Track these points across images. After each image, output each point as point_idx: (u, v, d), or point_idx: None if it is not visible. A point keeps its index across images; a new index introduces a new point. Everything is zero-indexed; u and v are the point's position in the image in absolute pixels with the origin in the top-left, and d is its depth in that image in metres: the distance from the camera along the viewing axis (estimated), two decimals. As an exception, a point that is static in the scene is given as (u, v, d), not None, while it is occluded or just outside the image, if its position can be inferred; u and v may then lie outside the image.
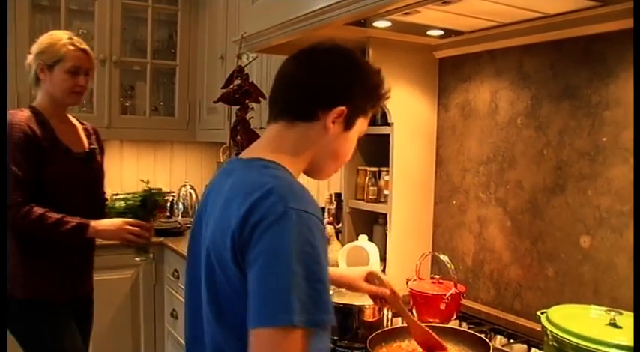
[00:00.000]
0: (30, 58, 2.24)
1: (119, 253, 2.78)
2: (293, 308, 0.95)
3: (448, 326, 1.74)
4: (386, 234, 2.20)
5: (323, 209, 2.58)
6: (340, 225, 2.52)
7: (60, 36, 2.24)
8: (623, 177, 1.60)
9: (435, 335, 1.54)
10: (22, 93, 3.31)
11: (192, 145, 4.09)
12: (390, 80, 1.27)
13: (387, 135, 2.15)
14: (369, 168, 2.33)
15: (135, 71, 3.88)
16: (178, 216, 3.86)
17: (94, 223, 2.16)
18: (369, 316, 1.73)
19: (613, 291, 1.63)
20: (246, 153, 1.24)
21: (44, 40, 2.23)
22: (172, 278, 3.17)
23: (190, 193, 3.91)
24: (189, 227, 3.33)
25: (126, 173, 3.89)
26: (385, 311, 1.76)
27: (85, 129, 2.41)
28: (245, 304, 1.02)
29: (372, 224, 2.40)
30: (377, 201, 2.30)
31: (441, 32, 1.97)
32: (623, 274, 1.61)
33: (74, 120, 2.38)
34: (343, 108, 1.18)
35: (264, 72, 2.86)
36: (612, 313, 1.32)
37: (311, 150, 1.22)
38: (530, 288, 1.88)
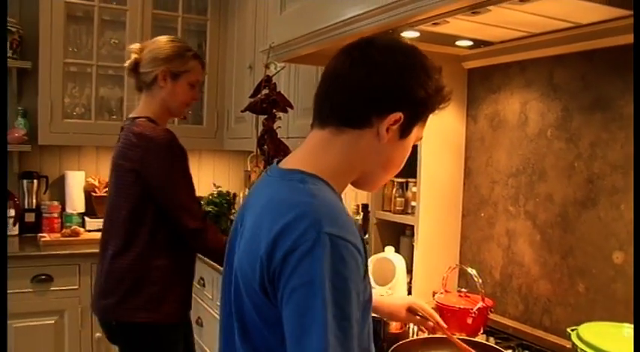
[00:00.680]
0: (141, 59, 2.17)
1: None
2: (326, 348, 0.89)
3: (475, 340, 1.72)
4: (413, 246, 2.18)
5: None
6: (367, 236, 2.51)
7: (182, 45, 2.21)
8: (658, 192, 1.56)
9: None
10: (56, 102, 3.37)
11: (219, 154, 4.11)
12: None
13: (415, 146, 2.11)
14: (396, 179, 2.30)
15: (164, 80, 3.91)
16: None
17: None
18: (394, 328, 1.72)
19: (646, 309, 1.59)
20: (286, 162, 1.13)
21: (167, 46, 2.17)
22: (198, 286, 3.18)
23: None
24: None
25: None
26: (411, 325, 1.74)
27: None
28: (272, 329, 0.98)
29: (399, 235, 2.38)
30: (404, 212, 2.28)
31: (470, 42, 1.95)
32: (657, 291, 1.56)
33: None
34: (400, 114, 1.06)
35: (291, 81, 2.86)
36: (645, 332, 1.28)
37: (361, 160, 1.10)
38: (560, 304, 1.84)
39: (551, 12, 1.52)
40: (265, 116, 2.40)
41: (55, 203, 3.62)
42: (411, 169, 2.16)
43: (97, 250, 3.18)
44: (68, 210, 3.66)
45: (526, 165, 1.96)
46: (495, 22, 1.64)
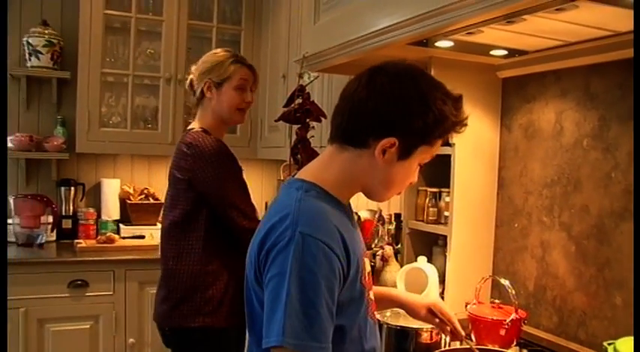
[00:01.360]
0: (193, 77, 2.26)
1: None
2: (285, 331, 1.02)
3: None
4: (445, 256, 2.16)
5: (378, 227, 2.56)
6: (399, 245, 2.50)
7: (225, 54, 2.27)
8: (698, 203, 1.53)
9: None
10: (93, 111, 3.44)
11: (253, 162, 4.14)
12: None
13: (448, 156, 2.12)
14: (429, 189, 2.30)
15: (199, 89, 3.97)
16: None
17: None
18: (426, 339, 1.71)
19: (686, 323, 1.55)
20: (299, 173, 1.25)
21: (209, 58, 2.26)
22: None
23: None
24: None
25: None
26: (443, 335, 1.72)
27: None
28: None
29: (432, 245, 2.37)
30: (437, 222, 2.27)
31: (504, 52, 1.94)
32: (697, 305, 1.53)
33: None
34: (394, 140, 1.13)
35: (325, 91, 2.87)
36: (685, 346, 1.25)
37: (361, 176, 1.20)
38: (596, 317, 1.81)
39: (587, 20, 1.50)
40: (299, 125, 2.41)
41: (91, 210, 3.68)
42: (444, 179, 2.15)
43: (130, 257, 3.28)
44: (103, 217, 3.72)
45: (561, 176, 1.94)
46: (530, 31, 1.63)
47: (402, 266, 2.30)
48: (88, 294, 3.17)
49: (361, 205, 2.78)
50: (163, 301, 2.19)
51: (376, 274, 2.43)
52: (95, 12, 3.41)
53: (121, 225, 3.72)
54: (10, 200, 3.42)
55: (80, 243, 3.44)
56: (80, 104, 3.44)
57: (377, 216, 2.61)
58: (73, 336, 3.14)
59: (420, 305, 1.54)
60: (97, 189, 3.81)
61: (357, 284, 1.15)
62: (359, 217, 2.54)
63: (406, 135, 1.13)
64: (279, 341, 1.02)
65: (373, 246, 2.55)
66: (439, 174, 2.20)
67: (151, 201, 3.77)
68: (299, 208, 1.10)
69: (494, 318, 1.77)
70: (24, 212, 3.37)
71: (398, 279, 2.18)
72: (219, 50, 2.31)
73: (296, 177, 1.23)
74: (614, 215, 1.75)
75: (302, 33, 3.09)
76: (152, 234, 3.54)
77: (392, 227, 2.57)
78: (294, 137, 2.42)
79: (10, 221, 3.45)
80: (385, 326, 1.72)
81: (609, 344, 1.39)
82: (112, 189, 3.77)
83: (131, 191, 3.79)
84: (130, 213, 3.73)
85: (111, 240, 3.46)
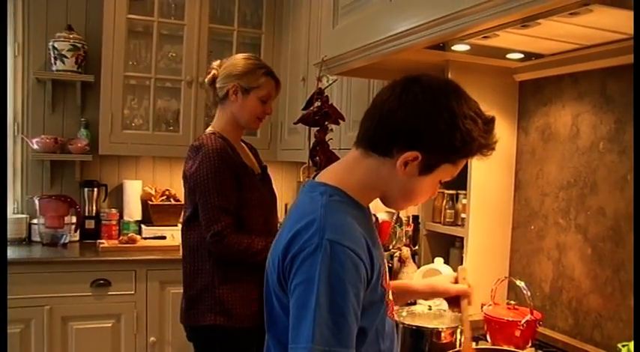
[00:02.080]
0: (217, 74, 2.28)
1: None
2: (314, 338, 1.02)
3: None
4: (462, 258, 2.18)
5: (396, 229, 2.58)
6: (417, 247, 2.52)
7: (257, 62, 2.31)
8: None
9: None
10: (116, 113, 3.50)
11: (273, 164, 4.14)
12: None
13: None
14: (446, 191, 2.31)
15: (220, 92, 4.01)
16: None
17: None
18: (442, 339, 1.72)
19: (701, 325, 1.55)
20: (319, 175, 1.26)
21: (241, 63, 2.28)
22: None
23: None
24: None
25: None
26: (458, 335, 1.74)
27: (249, 147, 2.46)
28: (289, 320, 1.10)
29: (449, 247, 2.38)
30: (454, 224, 2.29)
31: (520, 55, 1.95)
32: None
33: None
34: (417, 154, 1.12)
35: (344, 94, 2.90)
36: (697, 347, 1.26)
37: (382, 184, 1.20)
38: (611, 319, 1.81)
39: (602, 24, 1.51)
40: (317, 128, 2.44)
41: (114, 211, 3.74)
42: (461, 181, 2.17)
43: (152, 257, 3.33)
44: (126, 218, 3.79)
45: (577, 178, 1.95)
46: (546, 34, 1.65)
47: (419, 267, 2.32)
48: (110, 293, 3.22)
49: (380, 207, 2.80)
50: (183, 299, 2.26)
51: (394, 275, 2.46)
52: (118, 16, 3.47)
53: (143, 226, 3.78)
54: (36, 201, 3.49)
55: (103, 243, 3.50)
56: (103, 107, 3.50)
57: (395, 217, 2.63)
58: (95, 334, 3.20)
59: (447, 279, 1.57)
60: (119, 190, 3.88)
61: (378, 288, 1.17)
62: (377, 218, 2.56)
63: (430, 151, 1.13)
64: (308, 348, 1.02)
65: (391, 247, 2.58)
66: (456, 176, 2.22)
67: (172, 202, 3.83)
68: (325, 215, 1.10)
69: (510, 319, 1.78)
70: (48, 212, 3.45)
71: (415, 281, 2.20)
72: (248, 56, 2.34)
73: (317, 179, 1.24)
74: (630, 217, 1.76)
75: (321, 37, 3.12)
76: (173, 235, 3.59)
77: (409, 228, 2.60)
78: (313, 139, 2.45)
79: (35, 221, 3.53)
80: (401, 326, 1.74)
81: (623, 346, 1.40)
82: (134, 191, 3.83)
83: (153, 192, 3.85)
84: (152, 213, 3.79)
85: (133, 241, 3.52)
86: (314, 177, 1.27)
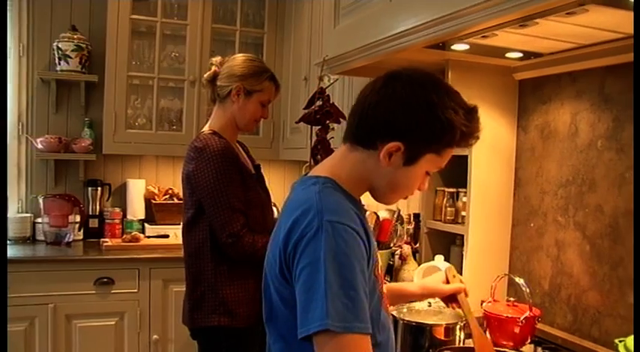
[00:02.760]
0: (218, 71, 2.27)
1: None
2: (329, 314, 1.01)
3: (522, 350, 1.73)
4: (462, 255, 2.20)
5: (397, 227, 2.60)
6: (417, 244, 2.54)
7: (261, 65, 2.31)
8: None
9: None
10: (119, 113, 3.53)
11: (275, 163, 4.19)
12: (470, 102, 1.23)
13: (466, 157, 2.15)
14: (447, 189, 2.33)
15: (222, 92, 4.03)
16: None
17: None
18: (441, 335, 1.74)
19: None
20: (312, 170, 1.29)
21: (246, 64, 2.27)
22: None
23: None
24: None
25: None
26: (457, 332, 1.76)
27: (242, 146, 2.46)
28: (290, 310, 1.11)
29: (449, 244, 2.40)
30: (454, 222, 2.30)
31: (519, 54, 1.97)
32: None
33: None
34: (399, 144, 1.15)
35: (345, 93, 2.92)
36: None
37: (368, 176, 1.23)
38: (609, 315, 1.83)
39: (599, 23, 1.53)
40: (319, 127, 2.46)
41: (117, 210, 3.77)
42: (461, 179, 2.19)
43: (155, 255, 3.35)
44: (129, 217, 3.81)
45: (576, 176, 1.97)
46: (544, 34, 1.66)
47: (419, 264, 2.33)
48: (113, 292, 3.24)
49: (380, 205, 2.82)
50: (185, 300, 2.26)
51: (394, 272, 2.48)
52: (122, 17, 3.50)
53: (146, 225, 3.80)
54: (40, 200, 3.52)
55: (106, 241, 3.53)
56: (107, 106, 3.53)
57: (396, 215, 2.65)
58: (99, 332, 3.22)
59: (439, 279, 1.61)
60: (122, 189, 3.90)
61: (371, 276, 1.18)
62: (378, 216, 2.58)
63: (412, 141, 1.16)
64: (324, 324, 1.01)
65: (392, 244, 2.60)
66: (456, 174, 2.24)
67: (175, 201, 3.84)
68: (320, 199, 1.13)
69: (509, 316, 1.80)
70: (52, 211, 3.47)
71: (415, 277, 2.21)
72: (252, 57, 2.34)
73: (310, 174, 1.27)
74: (628, 214, 1.77)
75: (323, 36, 3.14)
76: (176, 234, 3.60)
77: (410, 226, 2.62)
78: (314, 138, 2.47)
79: (39, 220, 3.56)
80: (401, 322, 1.75)
81: (620, 342, 1.41)
82: (137, 190, 3.85)
83: (156, 191, 3.87)
84: (155, 212, 3.82)
85: (136, 239, 3.54)
86: (305, 174, 1.30)
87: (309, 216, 1.10)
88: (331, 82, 2.56)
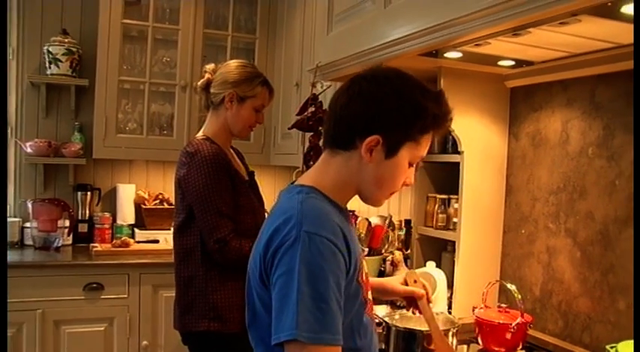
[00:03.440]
0: (211, 79, 2.27)
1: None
2: (298, 325, 1.04)
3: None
4: (454, 262, 2.21)
5: (388, 233, 2.61)
6: (409, 251, 2.55)
7: (254, 71, 2.29)
8: (699, 211, 1.57)
9: None
10: (110, 117, 3.52)
11: (266, 169, 4.18)
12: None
13: (457, 163, 2.17)
14: (438, 196, 2.35)
15: (214, 97, 4.03)
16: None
17: None
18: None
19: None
20: (298, 180, 1.31)
21: (238, 70, 2.26)
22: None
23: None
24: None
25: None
26: (450, 338, 1.76)
27: (236, 152, 2.45)
28: (270, 317, 1.12)
29: (441, 251, 2.42)
30: (446, 228, 2.32)
31: (511, 62, 1.99)
32: (698, 310, 1.56)
33: None
34: (377, 137, 1.18)
35: (337, 99, 2.92)
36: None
37: (353, 178, 1.25)
38: (600, 321, 1.85)
39: (591, 33, 1.55)
40: (311, 133, 2.47)
41: (107, 214, 3.75)
42: (453, 186, 2.20)
43: (145, 261, 3.34)
44: (119, 222, 3.79)
45: (567, 183, 1.98)
46: (536, 43, 1.68)
47: (413, 268, 2.34)
48: (103, 297, 3.22)
49: (372, 211, 2.83)
50: (176, 304, 2.26)
51: (386, 279, 2.48)
52: (113, 21, 3.49)
53: (136, 230, 3.78)
54: (29, 204, 3.49)
55: (96, 246, 3.50)
56: (97, 111, 3.51)
57: (387, 221, 2.66)
58: (88, 338, 3.19)
59: (395, 280, 1.62)
60: (112, 194, 3.88)
61: (353, 283, 1.19)
62: (369, 223, 2.59)
63: (388, 131, 1.18)
64: (293, 334, 1.04)
65: (383, 251, 2.61)
66: (448, 181, 2.26)
67: (166, 206, 3.83)
68: (302, 209, 1.14)
69: (501, 322, 1.82)
70: (41, 216, 3.44)
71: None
72: (245, 63, 2.33)
73: (296, 183, 1.28)
74: (619, 221, 1.79)
75: (315, 43, 3.15)
76: (166, 239, 3.60)
77: (402, 233, 2.63)
78: (306, 144, 2.48)
79: (27, 224, 3.53)
80: (393, 328, 1.76)
81: (612, 348, 1.43)
82: (127, 194, 3.83)
83: (146, 196, 3.86)
84: (145, 217, 3.80)
85: (126, 244, 3.52)
86: (292, 183, 1.32)
87: (289, 225, 1.12)
88: (324, 88, 2.57)
